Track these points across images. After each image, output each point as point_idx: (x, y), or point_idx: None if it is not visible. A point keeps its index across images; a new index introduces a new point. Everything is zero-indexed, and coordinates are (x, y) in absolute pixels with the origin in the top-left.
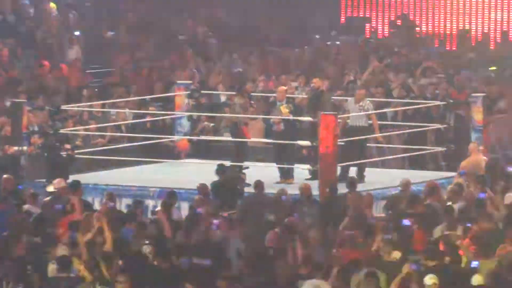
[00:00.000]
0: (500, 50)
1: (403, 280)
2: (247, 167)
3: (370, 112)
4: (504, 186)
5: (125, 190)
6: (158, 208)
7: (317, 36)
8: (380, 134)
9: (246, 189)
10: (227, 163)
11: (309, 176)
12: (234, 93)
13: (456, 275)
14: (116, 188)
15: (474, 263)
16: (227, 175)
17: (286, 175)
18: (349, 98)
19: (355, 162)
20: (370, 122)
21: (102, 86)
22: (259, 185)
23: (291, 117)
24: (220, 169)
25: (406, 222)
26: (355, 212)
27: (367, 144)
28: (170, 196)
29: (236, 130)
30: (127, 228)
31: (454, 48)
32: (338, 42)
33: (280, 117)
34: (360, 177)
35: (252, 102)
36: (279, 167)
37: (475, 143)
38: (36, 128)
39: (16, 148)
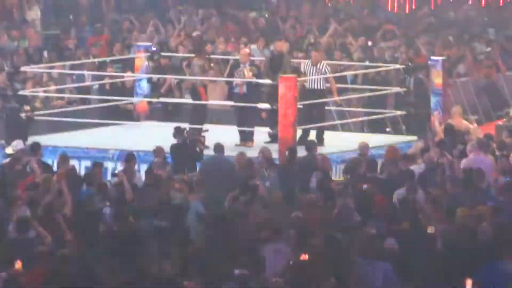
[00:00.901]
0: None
1: (363, 244)
2: (206, 130)
3: (327, 75)
4: (462, 150)
5: (84, 152)
6: (118, 170)
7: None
8: (339, 98)
9: (206, 152)
10: (186, 125)
11: (269, 140)
12: (193, 55)
13: (416, 239)
14: (75, 150)
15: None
16: (185, 138)
17: (247, 138)
18: (305, 61)
19: (315, 125)
20: (327, 85)
21: (61, 47)
22: (219, 147)
23: (253, 80)
24: (178, 132)
25: (365, 186)
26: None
27: (326, 107)
28: (129, 158)
29: (195, 92)
30: (85, 189)
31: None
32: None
33: (242, 79)
34: (320, 140)
35: (212, 64)
36: (239, 130)
37: (458, 106)
38: None
39: None
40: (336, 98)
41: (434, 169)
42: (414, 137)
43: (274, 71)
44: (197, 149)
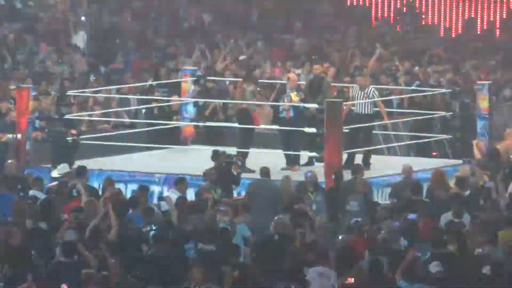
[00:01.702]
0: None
1: (407, 267)
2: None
3: (375, 99)
4: (508, 174)
5: (130, 176)
6: (167, 194)
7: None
8: (388, 121)
9: (252, 176)
10: (234, 149)
11: (306, 161)
12: (240, 79)
13: (462, 263)
14: (121, 174)
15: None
16: (222, 162)
17: (292, 162)
18: (354, 85)
19: (360, 149)
20: (376, 109)
21: (108, 72)
22: (265, 171)
23: (300, 104)
24: (215, 155)
25: (412, 216)
26: (365, 199)
27: (373, 132)
28: (179, 181)
29: (247, 116)
30: (131, 213)
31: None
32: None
33: (289, 103)
34: (366, 164)
35: (259, 88)
36: (285, 154)
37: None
38: (41, 114)
39: (9, 135)
40: (386, 121)
41: (480, 193)
42: (459, 161)
43: (313, 95)
44: (234, 172)
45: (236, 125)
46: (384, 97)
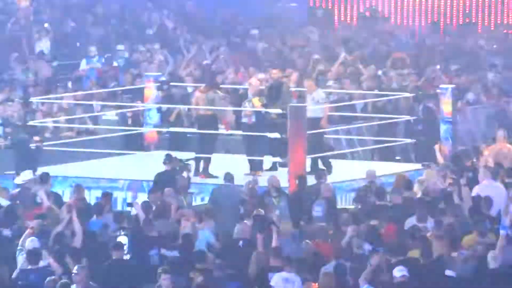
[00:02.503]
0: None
1: (372, 272)
2: (192, 158)
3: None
4: (471, 178)
5: (94, 182)
6: (137, 200)
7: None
8: (333, 128)
9: (216, 181)
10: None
11: (269, 167)
12: (202, 85)
13: (425, 268)
14: (85, 180)
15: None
16: (175, 165)
17: (256, 167)
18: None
19: (323, 154)
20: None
21: (71, 78)
22: (228, 177)
23: (262, 110)
24: (167, 160)
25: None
26: (328, 204)
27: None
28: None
29: (208, 122)
30: (95, 219)
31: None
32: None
33: (251, 109)
34: (328, 168)
35: (222, 94)
36: (249, 160)
37: (502, 130)
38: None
39: None
40: (325, 127)
41: (442, 197)
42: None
43: (272, 100)
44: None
45: (198, 130)
46: (347, 101)
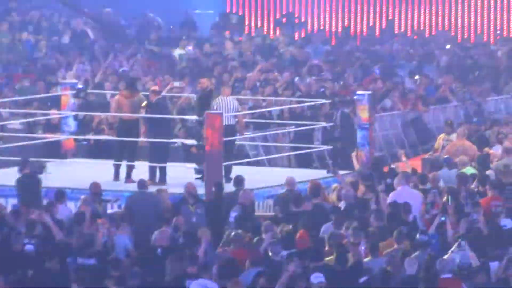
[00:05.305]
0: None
1: (288, 278)
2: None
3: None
4: (390, 183)
5: (10, 190)
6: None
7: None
8: (265, 133)
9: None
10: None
11: (199, 176)
12: (119, 92)
13: (342, 275)
14: (2, 189)
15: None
16: (33, 171)
17: (153, 175)
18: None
19: (240, 161)
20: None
21: None
22: (142, 183)
23: (179, 117)
24: (24, 165)
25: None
26: (243, 211)
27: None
28: (57, 196)
29: (136, 129)
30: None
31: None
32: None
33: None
34: (227, 177)
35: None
36: (149, 167)
37: (463, 127)
38: None
39: None
40: (242, 134)
41: (358, 204)
42: (341, 172)
43: (202, 107)
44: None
45: (113, 138)
46: (264, 108)
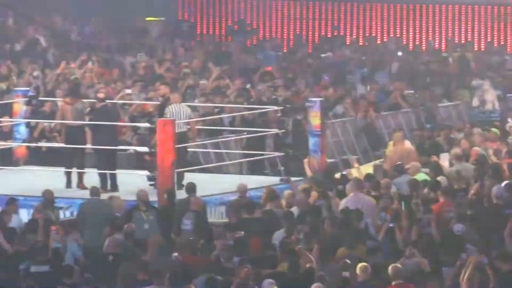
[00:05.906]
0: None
1: (241, 285)
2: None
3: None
4: (341, 190)
5: None
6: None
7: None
8: (217, 140)
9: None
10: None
11: (151, 183)
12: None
13: (294, 281)
14: None
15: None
16: None
17: (105, 183)
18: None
19: (194, 168)
20: (189, 126)
21: None
22: (95, 191)
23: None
24: None
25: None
26: (197, 217)
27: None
28: (9, 203)
29: (81, 136)
30: None
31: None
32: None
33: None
34: (179, 184)
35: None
36: (100, 174)
37: (399, 132)
38: None
39: None
40: (194, 141)
41: (310, 211)
42: (293, 178)
43: (161, 114)
44: None
45: (62, 145)
46: (215, 115)
